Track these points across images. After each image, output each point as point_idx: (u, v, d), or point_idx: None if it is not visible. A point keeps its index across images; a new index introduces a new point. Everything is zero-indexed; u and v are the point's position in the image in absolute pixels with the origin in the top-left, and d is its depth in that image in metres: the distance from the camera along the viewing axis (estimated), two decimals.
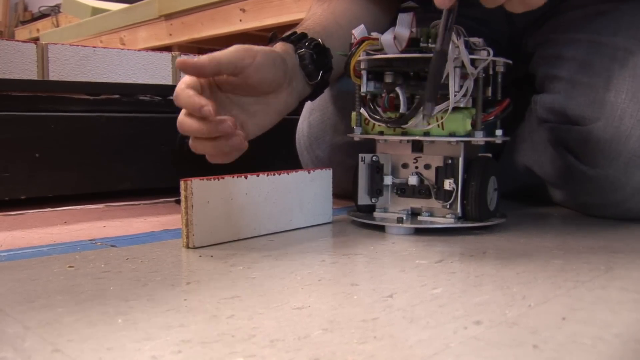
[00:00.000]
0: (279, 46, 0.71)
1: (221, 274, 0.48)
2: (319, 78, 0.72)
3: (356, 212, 0.70)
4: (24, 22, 4.50)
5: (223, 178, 0.58)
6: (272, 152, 1.01)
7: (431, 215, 0.66)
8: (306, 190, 0.66)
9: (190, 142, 0.63)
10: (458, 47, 0.59)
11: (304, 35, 0.73)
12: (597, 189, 0.70)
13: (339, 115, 0.86)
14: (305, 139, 0.90)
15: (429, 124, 0.62)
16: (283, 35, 0.73)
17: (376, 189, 0.67)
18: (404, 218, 0.65)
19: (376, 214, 0.68)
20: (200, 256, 0.54)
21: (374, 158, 0.67)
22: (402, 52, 0.61)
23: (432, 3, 0.57)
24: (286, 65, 0.69)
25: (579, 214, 0.77)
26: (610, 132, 0.67)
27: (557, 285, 0.45)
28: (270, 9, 1.62)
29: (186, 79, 0.63)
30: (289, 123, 0.94)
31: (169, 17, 2.03)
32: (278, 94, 0.68)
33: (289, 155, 0.93)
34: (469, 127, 0.63)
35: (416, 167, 0.66)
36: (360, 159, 0.67)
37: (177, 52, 1.19)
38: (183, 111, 0.62)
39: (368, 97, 0.66)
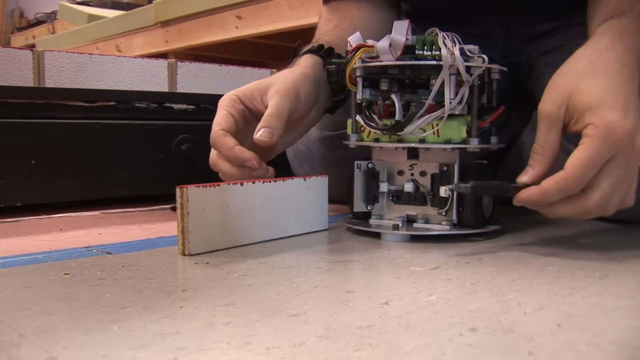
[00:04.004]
0: (307, 59, 0.73)
1: (217, 281, 0.48)
2: (344, 95, 0.74)
3: (352, 219, 0.70)
4: (20, 29, 4.49)
5: (219, 185, 0.58)
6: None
7: (427, 222, 0.66)
8: (302, 198, 0.67)
9: (212, 163, 0.66)
10: (453, 54, 0.60)
11: (331, 50, 0.74)
12: None
13: None
14: None
15: (424, 131, 0.62)
16: (311, 47, 0.75)
17: (372, 196, 0.67)
18: (400, 225, 0.65)
19: (372, 221, 0.68)
20: (196, 263, 0.54)
21: (370, 165, 0.67)
22: (397, 59, 0.61)
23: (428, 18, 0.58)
24: (318, 86, 0.71)
25: (574, 220, 0.77)
26: None
27: (553, 292, 0.45)
28: (266, 16, 1.63)
29: (220, 120, 0.65)
30: None
31: (165, 24, 2.03)
32: (308, 113, 0.72)
33: (284, 163, 0.93)
34: (464, 134, 0.63)
35: (412, 174, 0.66)
36: (356, 166, 0.67)
37: (173, 59, 1.19)
38: (215, 151, 0.65)
39: (364, 104, 0.66)
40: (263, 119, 0.64)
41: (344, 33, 0.80)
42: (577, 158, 0.54)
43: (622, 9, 0.61)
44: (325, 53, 0.74)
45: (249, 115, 0.68)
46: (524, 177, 0.58)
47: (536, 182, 0.57)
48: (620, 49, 0.57)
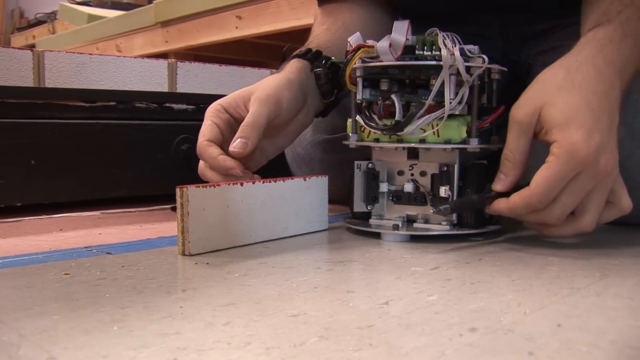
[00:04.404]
0: (294, 64, 0.73)
1: (217, 281, 0.48)
2: (333, 97, 0.74)
3: (352, 219, 0.70)
4: (20, 29, 4.50)
5: (219, 185, 0.58)
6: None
7: (427, 222, 0.66)
8: (302, 198, 0.67)
9: (200, 172, 0.67)
10: (453, 54, 0.60)
11: (319, 54, 0.74)
12: None
13: None
14: None
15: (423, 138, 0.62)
16: (299, 52, 0.75)
17: (372, 196, 0.67)
18: (400, 225, 0.65)
19: (372, 221, 0.68)
20: (196, 263, 0.54)
21: (370, 165, 0.67)
22: (397, 59, 0.62)
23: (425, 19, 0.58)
24: (304, 90, 0.71)
25: None
26: (622, 131, 0.66)
27: (553, 292, 0.45)
28: (266, 16, 1.63)
29: (205, 131, 0.67)
30: None
31: (165, 24, 2.03)
32: (296, 117, 0.71)
33: (284, 163, 0.93)
34: (464, 135, 0.63)
35: (412, 174, 0.66)
36: (356, 166, 0.67)
37: (173, 59, 1.19)
38: (203, 162, 0.66)
39: (364, 104, 0.66)
40: (240, 128, 0.65)
41: (335, 36, 0.80)
42: (541, 177, 0.55)
43: (609, 15, 0.61)
44: (312, 56, 0.74)
45: (234, 124, 0.68)
46: (497, 186, 0.60)
47: (509, 189, 0.60)
48: (601, 62, 0.58)
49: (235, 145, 0.64)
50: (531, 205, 0.57)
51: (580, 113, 0.55)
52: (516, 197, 0.58)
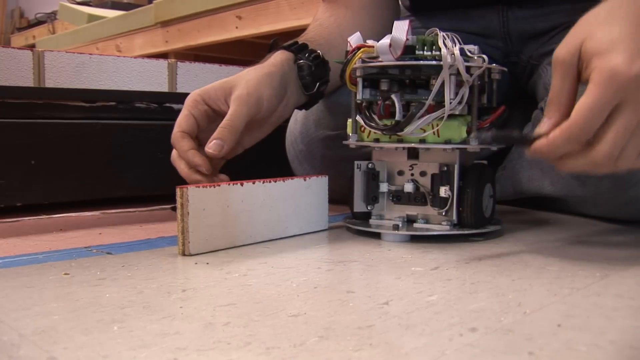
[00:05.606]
0: (279, 55, 0.73)
1: (217, 281, 0.48)
2: (315, 89, 0.74)
3: (352, 219, 0.70)
4: (20, 29, 4.50)
5: (219, 185, 0.58)
6: (268, 159, 1.01)
7: (427, 222, 0.66)
8: (302, 198, 0.67)
9: (172, 159, 0.68)
10: (453, 54, 0.60)
11: (304, 46, 0.75)
12: (617, 183, 0.69)
13: (322, 111, 0.87)
14: (291, 135, 0.92)
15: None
16: (285, 44, 0.75)
17: (372, 196, 0.67)
18: (400, 225, 0.65)
19: (372, 221, 0.68)
20: (196, 263, 0.54)
21: (370, 165, 0.67)
22: (397, 59, 0.61)
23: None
24: (284, 82, 0.71)
25: (574, 220, 0.77)
26: None
27: (553, 292, 0.45)
28: (267, 16, 1.63)
29: (180, 122, 0.68)
30: (284, 130, 0.95)
31: (165, 24, 2.03)
32: (274, 111, 0.72)
33: (284, 162, 0.93)
34: (464, 135, 0.63)
35: (412, 174, 0.66)
36: (356, 166, 0.67)
37: (173, 59, 1.19)
38: (176, 152, 0.68)
39: (364, 104, 0.66)
40: (217, 129, 0.66)
41: (327, 31, 0.81)
42: (581, 105, 0.52)
43: None
44: (297, 49, 0.75)
45: (212, 115, 0.69)
46: (541, 128, 0.56)
47: (552, 130, 0.55)
48: None
49: (211, 146, 0.65)
50: (572, 138, 0.52)
51: (622, 41, 0.52)
52: (556, 131, 0.53)
